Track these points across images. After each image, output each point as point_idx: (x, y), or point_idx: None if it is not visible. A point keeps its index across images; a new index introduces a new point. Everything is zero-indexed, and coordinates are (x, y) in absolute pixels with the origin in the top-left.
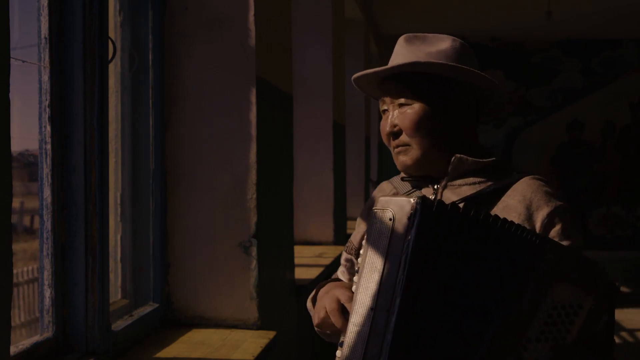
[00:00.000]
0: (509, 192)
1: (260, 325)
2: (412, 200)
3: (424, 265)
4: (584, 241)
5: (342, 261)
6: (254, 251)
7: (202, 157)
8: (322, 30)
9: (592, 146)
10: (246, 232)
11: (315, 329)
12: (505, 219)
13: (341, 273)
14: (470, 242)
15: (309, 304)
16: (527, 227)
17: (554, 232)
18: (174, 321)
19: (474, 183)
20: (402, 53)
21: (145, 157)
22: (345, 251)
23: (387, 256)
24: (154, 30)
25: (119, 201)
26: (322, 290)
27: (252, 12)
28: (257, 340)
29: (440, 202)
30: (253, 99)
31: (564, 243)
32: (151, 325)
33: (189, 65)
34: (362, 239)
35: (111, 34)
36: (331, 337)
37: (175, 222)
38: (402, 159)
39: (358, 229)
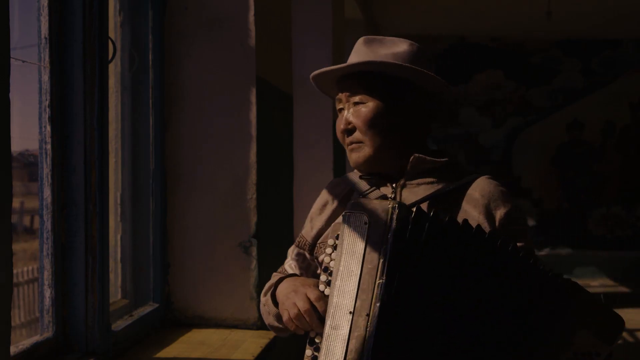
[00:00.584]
0: (468, 192)
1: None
2: (388, 205)
3: (404, 269)
4: (532, 240)
5: (293, 255)
6: (254, 251)
7: (202, 157)
8: (322, 30)
9: (592, 146)
10: (246, 232)
11: (271, 324)
12: (506, 239)
13: (289, 267)
14: (457, 250)
15: (264, 298)
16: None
17: (511, 233)
18: (174, 321)
19: (432, 183)
20: (360, 53)
21: (145, 157)
22: (297, 246)
23: (364, 261)
24: (154, 30)
25: (119, 201)
26: (286, 287)
27: (252, 12)
28: (257, 340)
29: (419, 209)
30: (253, 99)
31: (520, 243)
32: (151, 325)
33: (189, 65)
34: (317, 235)
35: (111, 34)
36: (281, 331)
37: (175, 222)
38: (355, 156)
39: (310, 224)
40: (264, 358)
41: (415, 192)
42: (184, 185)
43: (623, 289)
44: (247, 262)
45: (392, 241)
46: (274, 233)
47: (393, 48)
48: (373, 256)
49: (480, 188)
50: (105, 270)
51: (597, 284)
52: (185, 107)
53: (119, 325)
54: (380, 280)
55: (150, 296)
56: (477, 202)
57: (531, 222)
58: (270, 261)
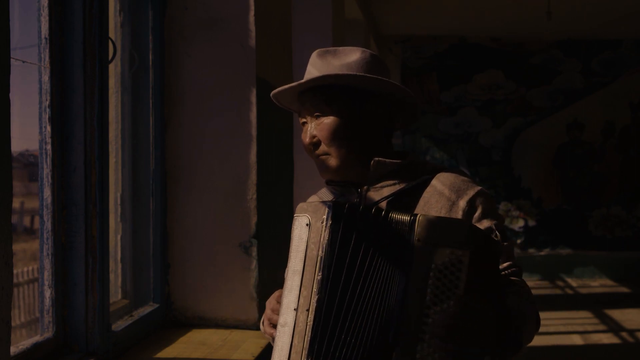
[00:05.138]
0: (428, 189)
1: None
2: (324, 205)
3: (337, 263)
4: (503, 220)
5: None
6: (254, 251)
7: (202, 157)
8: (322, 30)
9: (592, 146)
10: (246, 232)
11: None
12: (379, 209)
13: None
14: (376, 238)
15: (261, 326)
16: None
17: (476, 216)
18: (174, 321)
19: (394, 183)
20: (315, 67)
21: (145, 157)
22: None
23: (306, 259)
24: (154, 30)
25: (119, 201)
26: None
27: (252, 12)
28: (257, 340)
29: (350, 204)
30: (253, 99)
31: (486, 223)
32: (151, 325)
33: (189, 65)
34: None
35: (111, 34)
36: None
37: (175, 222)
38: (323, 167)
39: None
40: (264, 358)
41: (379, 194)
42: (184, 185)
43: (623, 289)
44: (247, 262)
45: (327, 238)
46: (274, 233)
47: (346, 58)
48: (313, 254)
49: (441, 181)
50: (105, 270)
51: (597, 284)
52: (185, 107)
53: (119, 325)
54: (319, 276)
55: (150, 296)
56: (439, 194)
57: (531, 222)
58: (271, 261)
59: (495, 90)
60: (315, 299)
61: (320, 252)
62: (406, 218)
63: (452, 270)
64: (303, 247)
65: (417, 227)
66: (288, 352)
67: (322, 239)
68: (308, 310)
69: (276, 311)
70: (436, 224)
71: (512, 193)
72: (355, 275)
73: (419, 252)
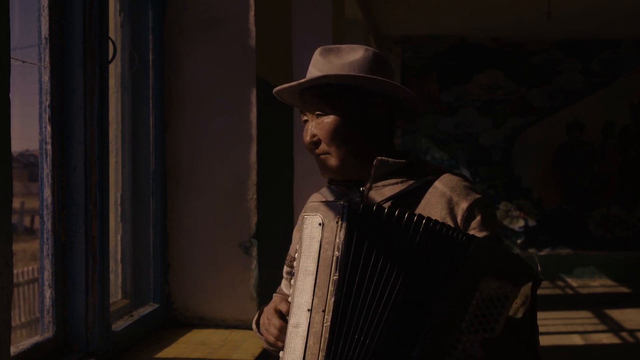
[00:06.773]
0: (430, 190)
1: None
2: (339, 204)
3: (355, 264)
4: (501, 229)
5: (284, 274)
6: (254, 251)
7: (202, 157)
8: (322, 30)
9: (592, 146)
10: (246, 232)
11: (268, 349)
12: (429, 218)
13: (285, 286)
14: (397, 240)
15: (253, 326)
16: (449, 223)
17: (474, 224)
18: (174, 321)
19: (396, 183)
20: (317, 65)
21: (145, 157)
22: (286, 264)
23: (319, 259)
24: (154, 30)
25: (119, 201)
26: (262, 316)
27: (252, 12)
28: (257, 340)
29: (366, 205)
30: (253, 99)
31: (484, 233)
32: (151, 325)
33: (189, 65)
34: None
35: (111, 34)
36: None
37: (175, 222)
38: (323, 166)
39: (294, 241)
40: (264, 358)
41: (381, 193)
42: (184, 185)
43: (623, 289)
44: (247, 262)
45: (343, 237)
46: (274, 233)
47: (348, 57)
48: (327, 254)
49: (442, 185)
50: (105, 270)
51: (597, 284)
52: (185, 107)
53: (119, 325)
54: (335, 277)
55: (150, 296)
56: (441, 196)
57: (531, 222)
58: (271, 261)
59: (495, 90)
60: (332, 299)
61: (336, 252)
62: (460, 236)
63: (495, 304)
64: (316, 246)
65: (472, 248)
66: (302, 353)
67: (337, 239)
68: (324, 311)
69: (277, 327)
70: (491, 251)
71: (512, 193)
72: (370, 277)
73: (466, 274)
